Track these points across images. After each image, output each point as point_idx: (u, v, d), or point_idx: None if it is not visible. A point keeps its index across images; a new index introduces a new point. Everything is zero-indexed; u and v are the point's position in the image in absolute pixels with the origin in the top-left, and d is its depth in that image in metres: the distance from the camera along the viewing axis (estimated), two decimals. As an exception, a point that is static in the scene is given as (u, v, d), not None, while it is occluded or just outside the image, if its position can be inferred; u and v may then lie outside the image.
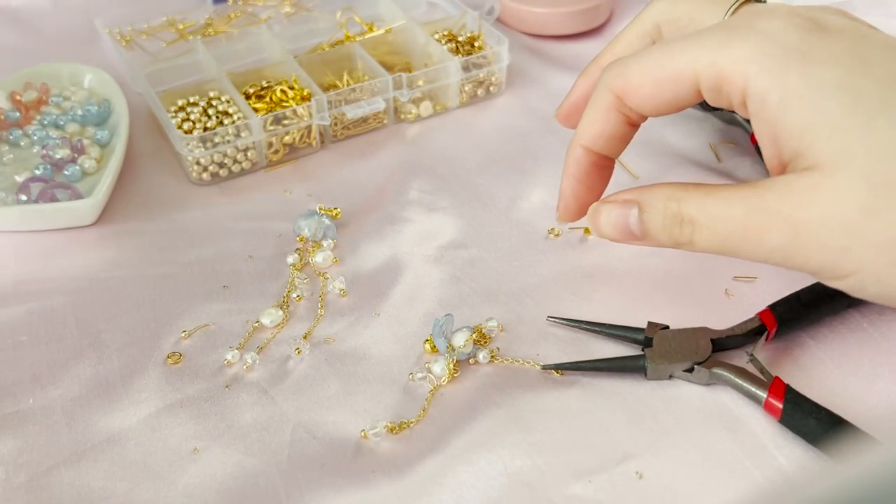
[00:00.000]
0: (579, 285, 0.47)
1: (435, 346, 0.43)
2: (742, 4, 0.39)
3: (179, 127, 0.54)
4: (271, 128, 0.55)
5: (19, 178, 0.52)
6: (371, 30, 0.64)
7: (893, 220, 0.31)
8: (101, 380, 0.43)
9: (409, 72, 0.60)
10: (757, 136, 0.35)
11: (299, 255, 0.49)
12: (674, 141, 0.57)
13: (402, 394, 0.42)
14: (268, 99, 0.57)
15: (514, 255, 0.49)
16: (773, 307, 0.43)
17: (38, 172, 0.53)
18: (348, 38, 0.63)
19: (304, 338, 0.45)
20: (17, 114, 0.57)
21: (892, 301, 0.33)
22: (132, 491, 0.38)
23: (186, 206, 0.53)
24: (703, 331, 0.42)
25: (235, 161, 0.55)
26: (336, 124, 0.58)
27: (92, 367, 0.43)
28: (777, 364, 0.42)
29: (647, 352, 0.41)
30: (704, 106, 0.56)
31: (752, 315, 0.43)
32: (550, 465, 0.38)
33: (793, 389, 0.39)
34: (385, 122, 0.59)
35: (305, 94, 0.57)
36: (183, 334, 0.45)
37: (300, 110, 0.55)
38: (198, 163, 0.54)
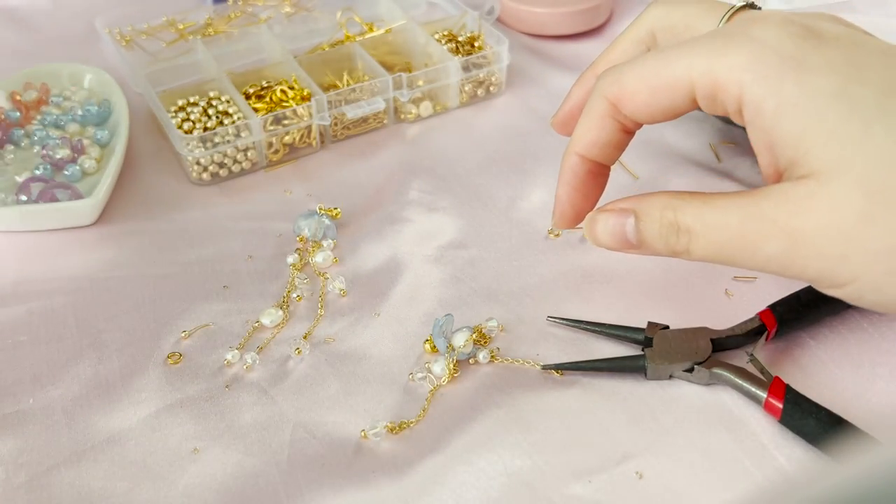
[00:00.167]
0: (579, 285, 0.47)
1: (435, 346, 0.43)
2: (737, 11, 0.39)
3: (179, 127, 0.54)
4: (271, 128, 0.55)
5: (19, 178, 0.52)
6: (371, 30, 0.64)
7: (891, 227, 0.31)
8: (101, 380, 0.43)
9: (409, 72, 0.60)
10: (753, 144, 0.35)
11: (299, 255, 0.49)
12: (674, 141, 0.57)
13: (402, 394, 0.42)
14: (268, 99, 0.57)
15: (514, 255, 0.49)
16: (773, 307, 0.43)
17: (38, 172, 0.53)
18: (348, 38, 0.63)
19: (304, 338, 0.45)
20: (18, 114, 0.57)
21: (889, 308, 0.33)
22: (132, 491, 0.38)
23: (186, 206, 0.53)
24: (703, 331, 0.42)
25: (235, 161, 0.55)
26: (336, 124, 0.58)
27: (92, 367, 0.43)
28: (777, 364, 0.42)
29: (647, 352, 0.41)
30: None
31: (752, 315, 0.43)
32: (550, 465, 0.38)
33: (793, 389, 0.39)
34: (385, 122, 0.59)
35: (305, 94, 0.57)
36: (183, 334, 0.45)
37: (300, 110, 0.55)
38: (198, 163, 0.54)
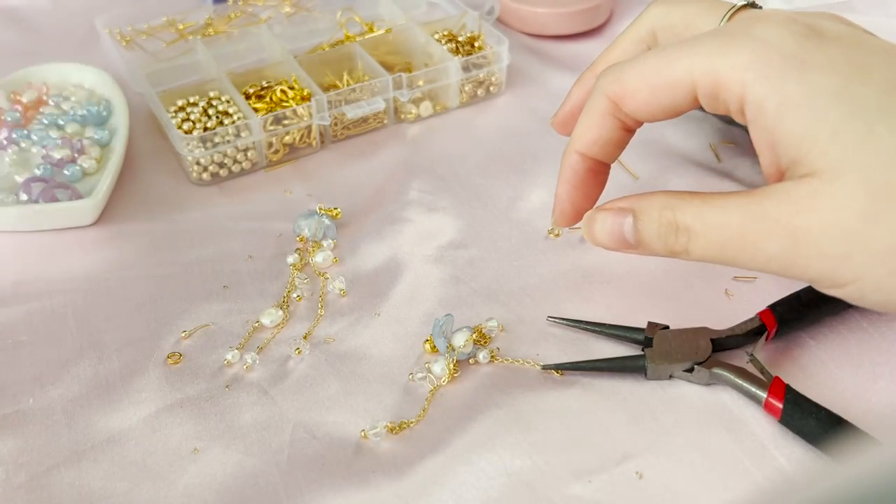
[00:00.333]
0: (579, 285, 0.47)
1: (435, 346, 0.43)
2: (738, 11, 0.39)
3: (179, 127, 0.54)
4: (271, 128, 0.55)
5: (20, 178, 0.52)
6: (371, 30, 0.64)
7: (894, 227, 0.31)
8: (101, 380, 0.43)
9: (409, 72, 0.60)
10: (754, 143, 0.34)
11: (299, 255, 0.49)
12: (674, 141, 0.57)
13: (402, 394, 0.42)
14: (268, 99, 0.57)
15: (514, 255, 0.49)
16: (773, 307, 0.43)
17: (38, 172, 0.53)
18: (348, 38, 0.63)
19: (304, 338, 0.45)
20: (18, 114, 0.57)
21: (891, 308, 0.33)
22: (132, 491, 0.38)
23: (186, 206, 0.53)
24: (703, 331, 0.42)
25: (235, 161, 0.55)
26: (336, 124, 0.58)
27: (92, 367, 0.43)
28: (777, 364, 0.42)
29: (647, 352, 0.41)
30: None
31: (752, 315, 0.43)
32: (550, 465, 0.38)
33: (793, 389, 0.39)
34: (385, 122, 0.59)
35: (305, 94, 0.57)
36: (183, 334, 0.45)
37: (300, 110, 0.55)
38: (198, 163, 0.54)
